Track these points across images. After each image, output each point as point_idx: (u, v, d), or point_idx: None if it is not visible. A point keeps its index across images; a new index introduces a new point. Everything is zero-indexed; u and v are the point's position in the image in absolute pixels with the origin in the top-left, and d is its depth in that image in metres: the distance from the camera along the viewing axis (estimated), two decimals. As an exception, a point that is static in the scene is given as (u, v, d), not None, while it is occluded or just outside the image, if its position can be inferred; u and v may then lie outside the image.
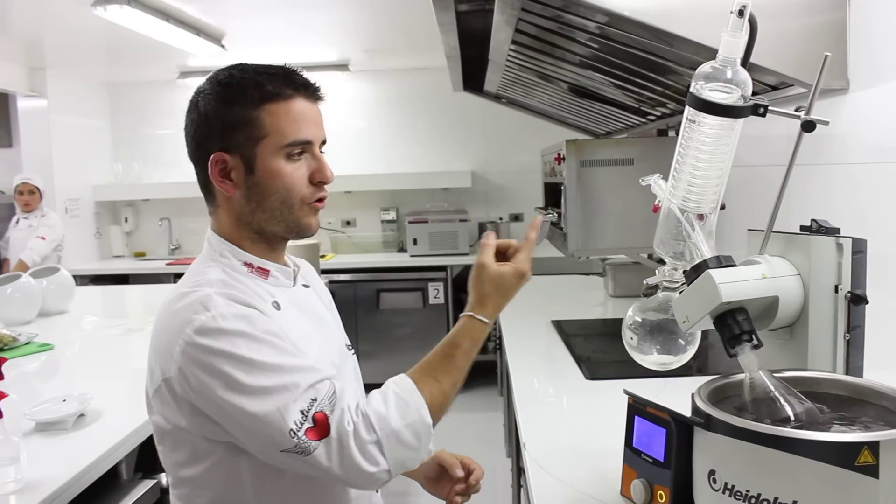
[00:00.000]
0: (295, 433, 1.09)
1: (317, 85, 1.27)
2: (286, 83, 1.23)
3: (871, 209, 1.76)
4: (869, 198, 1.77)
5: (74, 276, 3.86)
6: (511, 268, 1.31)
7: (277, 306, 1.24)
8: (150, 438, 1.99)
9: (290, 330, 1.20)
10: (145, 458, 1.97)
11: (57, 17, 4.17)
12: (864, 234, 1.36)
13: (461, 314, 1.31)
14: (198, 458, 1.21)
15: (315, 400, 1.11)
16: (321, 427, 1.11)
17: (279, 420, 1.09)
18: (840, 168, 1.91)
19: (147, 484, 1.92)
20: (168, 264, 5.83)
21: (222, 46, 4.88)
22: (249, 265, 1.27)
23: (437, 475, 1.54)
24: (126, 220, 6.35)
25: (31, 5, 3.91)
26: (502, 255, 1.37)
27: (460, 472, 1.51)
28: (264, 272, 1.28)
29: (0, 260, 5.70)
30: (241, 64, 1.26)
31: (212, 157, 1.22)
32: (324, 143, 1.28)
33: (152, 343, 1.23)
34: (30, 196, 5.15)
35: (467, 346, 1.26)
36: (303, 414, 1.10)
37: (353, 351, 1.46)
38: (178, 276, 5.65)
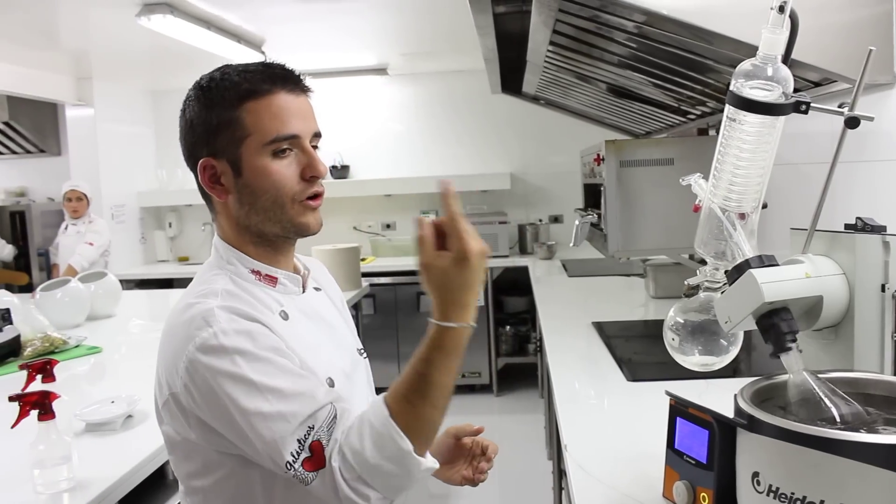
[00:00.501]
0: (291, 465, 1.07)
1: (298, 75, 1.23)
2: (264, 78, 1.19)
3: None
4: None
5: (121, 281, 3.94)
6: (449, 258, 1.12)
7: (285, 316, 1.22)
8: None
9: (297, 341, 1.18)
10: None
11: (102, 29, 4.27)
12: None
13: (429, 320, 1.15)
14: (209, 469, 1.19)
15: (312, 428, 1.09)
16: (317, 458, 1.08)
17: (277, 450, 1.08)
18: (886, 165, 1.87)
19: (193, 484, 1.95)
20: (211, 268, 5.91)
21: (262, 53, 4.95)
22: (257, 273, 1.24)
23: (451, 458, 1.50)
24: (170, 225, 6.46)
25: (78, 18, 4.01)
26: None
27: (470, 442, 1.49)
28: (272, 280, 1.25)
29: (50, 265, 5.84)
30: (223, 66, 1.24)
31: (200, 163, 1.20)
32: (318, 136, 1.24)
33: (159, 354, 1.21)
34: (77, 203, 5.27)
35: (440, 359, 1.11)
36: (300, 443, 1.08)
37: (364, 355, 1.42)
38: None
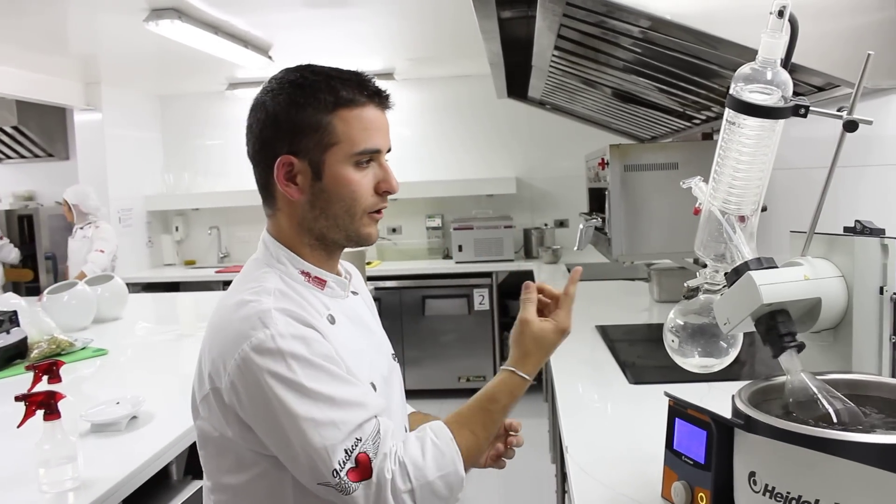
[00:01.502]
0: (338, 473, 1.09)
1: (387, 93, 1.25)
2: (360, 90, 1.20)
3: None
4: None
5: (127, 284, 3.97)
6: (553, 325, 1.30)
7: (332, 320, 1.23)
8: (199, 440, 2.04)
9: (343, 345, 1.19)
10: (195, 460, 2.01)
11: (111, 34, 4.30)
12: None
13: (502, 367, 1.30)
14: (242, 468, 1.19)
15: (360, 440, 1.11)
16: (363, 469, 1.10)
17: (325, 457, 1.09)
18: (891, 169, 1.87)
19: (196, 485, 1.96)
20: (217, 272, 5.95)
21: (269, 58, 4.98)
22: (307, 274, 1.25)
23: None
24: (177, 229, 6.49)
25: (87, 23, 4.04)
26: (544, 303, 1.37)
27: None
28: (321, 282, 1.26)
29: (56, 268, 5.88)
30: (311, 65, 1.23)
31: (279, 159, 1.19)
32: (388, 151, 1.26)
33: (204, 348, 1.22)
34: (66, 210, 5.30)
35: (505, 402, 1.26)
36: (347, 453, 1.10)
37: (397, 360, 1.45)
38: (227, 283, 5.75)
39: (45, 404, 1.61)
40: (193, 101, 6.48)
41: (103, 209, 5.43)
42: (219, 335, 1.18)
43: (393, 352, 1.43)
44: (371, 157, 1.22)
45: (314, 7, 3.88)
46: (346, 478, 1.09)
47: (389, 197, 1.28)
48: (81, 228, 5.30)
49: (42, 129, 6.22)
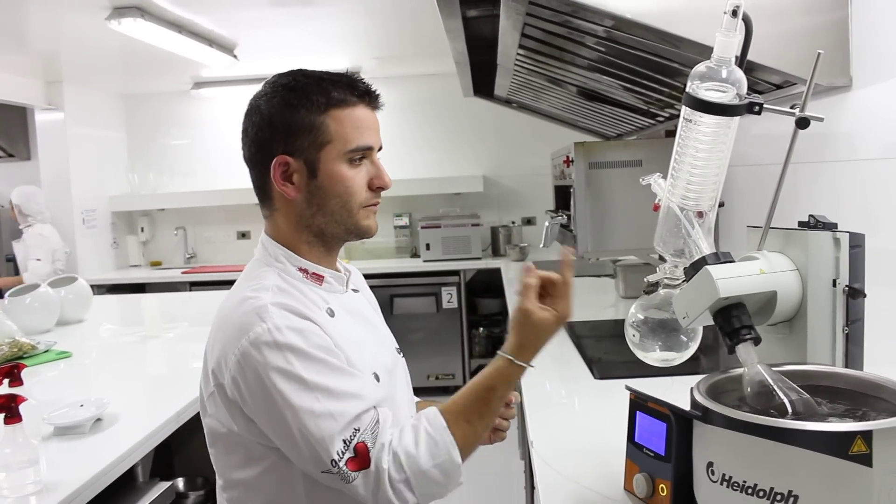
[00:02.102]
0: (336, 463, 1.12)
1: (377, 93, 1.30)
2: (350, 90, 1.25)
3: (878, 206, 1.77)
4: (876, 194, 1.78)
5: (92, 286, 3.92)
6: (553, 315, 1.27)
7: (332, 313, 1.27)
8: (166, 442, 2.03)
9: (343, 337, 1.23)
10: (161, 462, 2.00)
11: (72, 32, 4.24)
12: (872, 231, 1.37)
13: (499, 352, 1.27)
14: (251, 462, 1.23)
15: (358, 430, 1.14)
16: (362, 458, 1.13)
17: (324, 447, 1.12)
18: (846, 165, 1.91)
19: (162, 486, 1.96)
20: (184, 273, 5.89)
21: (235, 57, 4.94)
22: (304, 271, 1.29)
23: None
24: (142, 229, 6.42)
25: (47, 21, 3.98)
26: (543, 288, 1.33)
27: None
28: (319, 278, 1.30)
29: (17, 271, 5.80)
30: (302, 69, 1.29)
31: (274, 160, 1.24)
32: (380, 149, 1.31)
33: (208, 346, 1.25)
34: (12, 212, 5.22)
35: (502, 391, 1.25)
36: (345, 444, 1.13)
37: (401, 354, 1.48)
38: (193, 284, 5.76)
39: (6, 408, 1.58)
40: (158, 101, 6.41)
41: (48, 213, 5.33)
42: (220, 333, 1.22)
43: (398, 346, 1.48)
44: (363, 154, 1.26)
45: (279, 6, 3.87)
46: (344, 467, 1.13)
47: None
48: (23, 231, 5.23)
49: (2, 129, 6.12)
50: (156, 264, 6.45)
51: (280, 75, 1.28)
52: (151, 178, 6.42)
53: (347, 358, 1.21)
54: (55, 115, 5.70)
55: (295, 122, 1.22)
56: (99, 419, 1.99)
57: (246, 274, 1.31)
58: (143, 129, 6.47)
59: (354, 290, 1.42)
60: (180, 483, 2.90)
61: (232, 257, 6.33)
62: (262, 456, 1.22)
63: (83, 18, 3.85)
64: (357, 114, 1.25)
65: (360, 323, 1.35)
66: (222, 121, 6.34)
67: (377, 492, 1.14)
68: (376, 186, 1.28)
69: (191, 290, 5.61)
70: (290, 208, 1.28)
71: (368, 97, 1.27)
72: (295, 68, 1.30)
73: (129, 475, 1.88)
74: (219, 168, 6.27)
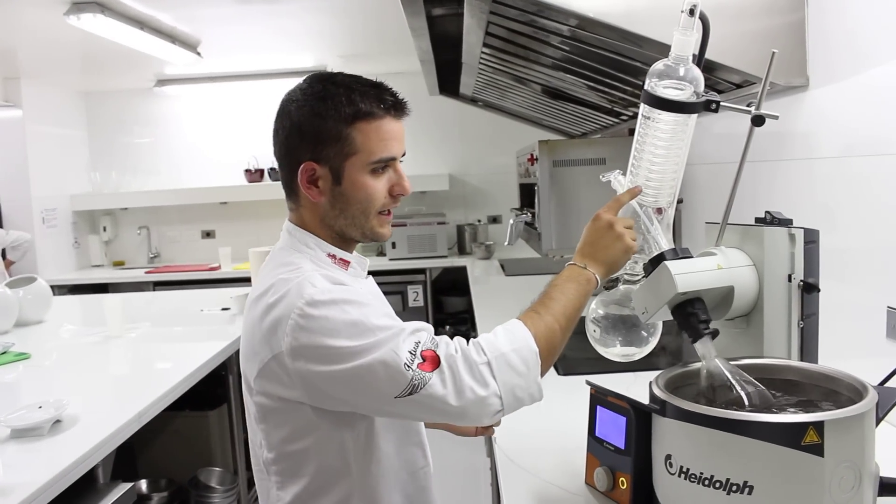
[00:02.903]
0: (409, 366, 1.16)
1: (404, 102, 1.34)
2: (378, 102, 1.29)
3: (834, 203, 1.80)
4: (831, 192, 1.81)
5: (52, 286, 3.85)
6: (605, 221, 1.31)
7: None
8: (129, 443, 2.01)
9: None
10: (122, 463, 1.98)
11: (30, 27, 4.16)
12: (827, 228, 1.39)
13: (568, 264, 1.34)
14: (302, 433, 1.27)
15: (419, 343, 1.19)
16: (431, 360, 1.18)
17: (394, 358, 1.16)
18: (803, 163, 1.95)
19: (123, 488, 1.93)
20: (147, 272, 5.82)
21: (198, 54, 4.89)
22: (333, 256, 1.36)
23: None
24: (104, 229, 6.32)
25: (4, 15, 3.90)
26: None
27: None
28: (345, 263, 1.37)
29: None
30: (333, 76, 1.32)
31: (302, 165, 1.29)
32: (403, 155, 1.36)
33: (250, 329, 1.29)
34: None
35: (568, 288, 1.28)
36: (411, 353, 1.17)
37: None
38: (157, 284, 5.69)
39: (-38, 409, 1.56)
40: (120, 98, 6.31)
41: (24, 209, 5.23)
42: (269, 314, 1.24)
43: None
44: (387, 164, 1.32)
45: (243, 3, 3.83)
46: (418, 370, 1.16)
47: None
48: None
49: (-41, 127, 6.00)
50: (119, 264, 6.36)
51: (312, 80, 1.33)
52: (114, 176, 6.32)
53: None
54: (13, 112, 5.59)
55: (323, 132, 1.27)
56: (58, 421, 1.96)
57: (275, 261, 1.35)
58: (105, 126, 6.37)
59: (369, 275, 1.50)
60: (143, 485, 2.87)
61: (196, 256, 6.27)
62: (315, 425, 1.26)
63: (41, 13, 3.78)
64: (383, 126, 1.30)
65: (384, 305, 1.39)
66: (186, 119, 6.27)
67: (455, 383, 1.17)
68: (396, 193, 1.35)
69: (154, 290, 5.54)
70: (314, 208, 1.34)
71: (395, 109, 1.32)
72: (327, 72, 1.34)
73: (90, 477, 1.85)
74: (183, 167, 6.20)
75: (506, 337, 1.21)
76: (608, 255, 1.29)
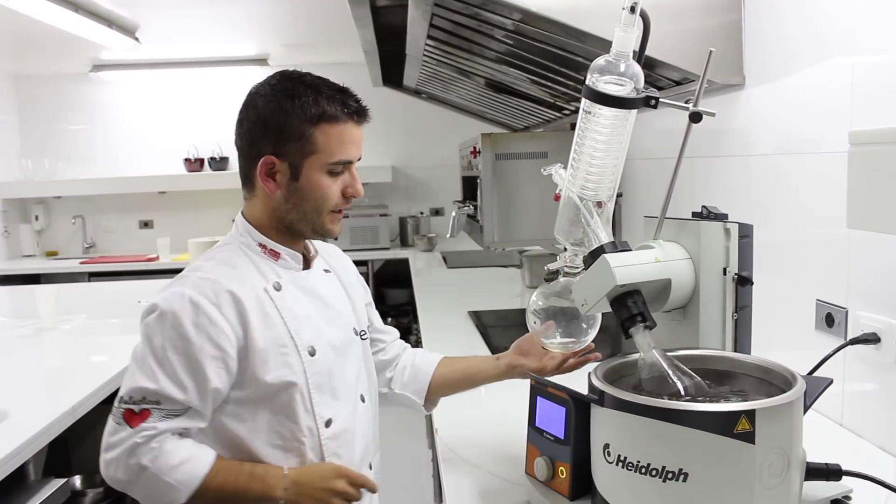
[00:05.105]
0: (122, 401, 1.28)
1: (366, 110, 1.41)
2: (343, 107, 1.35)
3: (768, 199, 1.85)
4: (766, 188, 1.87)
5: (-20, 276, 3.73)
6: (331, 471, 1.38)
7: (278, 287, 1.39)
8: (62, 438, 1.96)
9: (286, 309, 1.37)
10: (54, 459, 1.93)
11: (-43, 7, 4.01)
12: (762, 222, 1.43)
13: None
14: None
15: (157, 403, 1.27)
16: (139, 417, 1.27)
17: (125, 386, 1.30)
18: (739, 160, 2.00)
19: (56, 484, 1.88)
20: (82, 263, 5.66)
21: (136, 39, 4.77)
22: (263, 246, 1.42)
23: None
24: (37, 218, 6.13)
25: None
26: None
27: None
28: (275, 254, 1.42)
29: None
30: (303, 76, 1.38)
31: (262, 158, 1.35)
32: (359, 159, 1.42)
33: None
34: None
35: (259, 474, 1.33)
36: (132, 399, 1.28)
37: (365, 337, 1.56)
38: (92, 275, 5.55)
39: None
40: (54, 83, 6.11)
41: None
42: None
43: (357, 328, 1.54)
44: (344, 167, 1.38)
45: (183, -12, 3.76)
46: (119, 410, 1.28)
47: None
48: None
49: None
50: (52, 254, 6.18)
51: (282, 77, 1.38)
52: (47, 164, 6.13)
53: (284, 328, 1.35)
54: (-61, 96, 5.39)
55: (287, 129, 1.33)
56: (-14, 415, 1.90)
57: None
58: (38, 112, 6.17)
59: (326, 271, 1.53)
60: (77, 481, 2.79)
61: (133, 247, 6.12)
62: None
63: (-31, -7, 3.64)
64: (345, 130, 1.36)
65: (310, 300, 1.44)
66: (124, 106, 6.12)
67: (122, 451, 1.25)
68: (349, 194, 1.40)
69: (90, 281, 5.40)
70: (268, 199, 1.39)
71: (357, 115, 1.38)
72: (296, 71, 1.39)
73: (20, 474, 1.80)
74: (120, 155, 6.05)
75: (175, 477, 1.26)
76: (310, 496, 1.33)
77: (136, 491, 1.28)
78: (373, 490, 1.41)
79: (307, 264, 1.49)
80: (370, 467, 1.52)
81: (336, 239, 1.59)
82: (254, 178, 1.38)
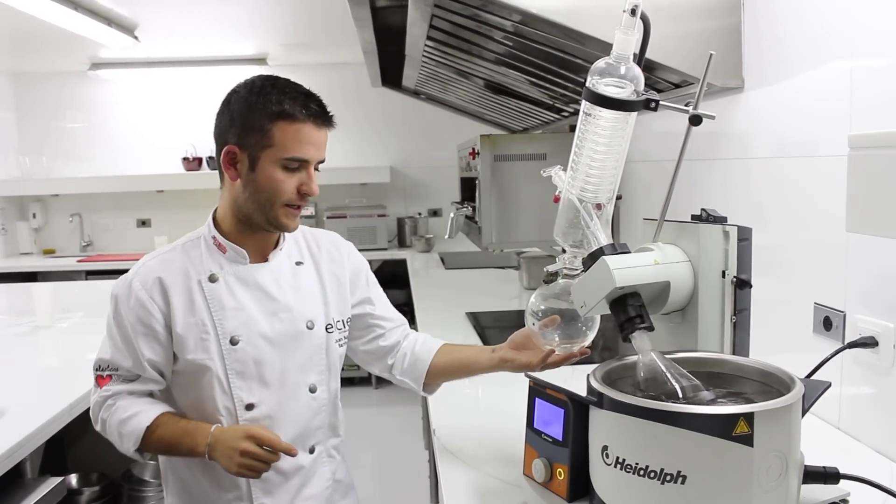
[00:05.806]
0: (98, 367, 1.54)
1: (330, 115, 1.50)
2: (303, 108, 1.44)
3: (767, 202, 1.86)
4: (765, 191, 1.87)
5: (-23, 274, 3.72)
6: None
7: (214, 279, 1.51)
8: (59, 437, 1.96)
9: (215, 301, 1.50)
10: (51, 457, 1.92)
11: (-44, 4, 4.01)
12: (760, 225, 1.43)
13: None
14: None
15: (116, 369, 1.52)
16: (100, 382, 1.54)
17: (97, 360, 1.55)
18: (738, 163, 2.00)
19: (52, 482, 1.88)
20: (79, 261, 5.66)
21: (135, 38, 4.77)
22: (214, 238, 1.55)
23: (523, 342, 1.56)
24: (34, 216, 6.13)
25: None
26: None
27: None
28: (223, 248, 1.54)
29: None
30: (274, 77, 1.48)
31: (226, 147, 1.47)
32: (321, 161, 1.51)
33: None
34: None
35: (191, 430, 1.50)
36: (101, 367, 1.53)
37: (330, 329, 1.62)
38: (90, 273, 5.54)
39: None
40: (53, 81, 6.10)
41: None
42: None
43: (316, 321, 1.59)
44: (300, 164, 1.46)
45: (182, -13, 3.76)
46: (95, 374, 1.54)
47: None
48: None
49: None
50: (49, 252, 6.17)
51: (259, 78, 1.48)
52: (45, 161, 6.12)
53: (210, 318, 1.50)
54: (-63, 93, 5.37)
55: (249, 121, 1.43)
56: (-16, 413, 1.89)
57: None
58: (36, 110, 6.16)
59: (298, 263, 1.61)
60: (73, 479, 2.79)
61: (131, 245, 6.12)
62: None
63: (-32, -10, 3.64)
64: (302, 129, 1.44)
65: (249, 293, 1.54)
66: (123, 104, 6.11)
67: (95, 408, 1.54)
68: (304, 192, 1.48)
69: (87, 280, 5.40)
70: (231, 189, 1.51)
71: (316, 117, 1.46)
72: (274, 75, 1.49)
73: (17, 472, 1.80)
74: (118, 153, 6.04)
75: (119, 435, 1.49)
76: (223, 453, 1.43)
77: (108, 439, 1.52)
78: (289, 453, 1.45)
79: (265, 258, 1.57)
80: (311, 451, 1.61)
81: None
82: (221, 167, 1.50)
